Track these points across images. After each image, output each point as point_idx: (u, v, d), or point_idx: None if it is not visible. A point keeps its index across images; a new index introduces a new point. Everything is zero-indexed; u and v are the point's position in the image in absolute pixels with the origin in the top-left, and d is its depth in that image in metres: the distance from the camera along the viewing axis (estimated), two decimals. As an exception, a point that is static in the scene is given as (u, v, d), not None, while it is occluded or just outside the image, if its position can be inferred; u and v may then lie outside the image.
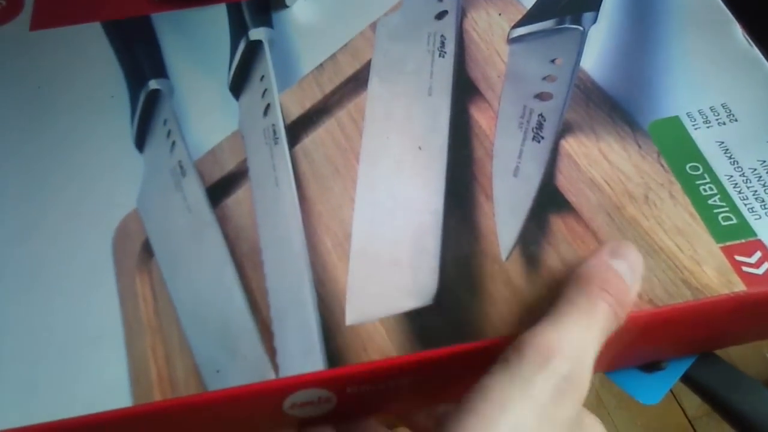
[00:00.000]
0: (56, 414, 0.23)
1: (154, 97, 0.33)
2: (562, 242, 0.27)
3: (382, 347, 0.24)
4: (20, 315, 0.26)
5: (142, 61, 0.35)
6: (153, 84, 0.34)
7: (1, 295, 0.26)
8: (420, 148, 0.30)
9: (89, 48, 0.36)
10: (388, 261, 0.26)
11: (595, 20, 0.34)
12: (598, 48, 0.33)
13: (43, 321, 0.26)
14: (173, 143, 0.31)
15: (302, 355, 0.24)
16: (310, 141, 0.31)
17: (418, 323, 0.25)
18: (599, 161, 0.29)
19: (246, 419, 0.24)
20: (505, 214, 0.27)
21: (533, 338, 0.21)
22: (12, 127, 0.32)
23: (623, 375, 0.27)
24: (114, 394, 0.23)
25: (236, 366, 0.24)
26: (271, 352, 0.24)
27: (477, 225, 0.27)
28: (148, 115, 0.33)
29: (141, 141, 0.32)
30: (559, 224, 0.27)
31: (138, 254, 0.28)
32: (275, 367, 0.24)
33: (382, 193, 0.29)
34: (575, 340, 0.21)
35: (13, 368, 0.24)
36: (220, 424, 0.24)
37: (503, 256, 0.26)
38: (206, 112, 0.33)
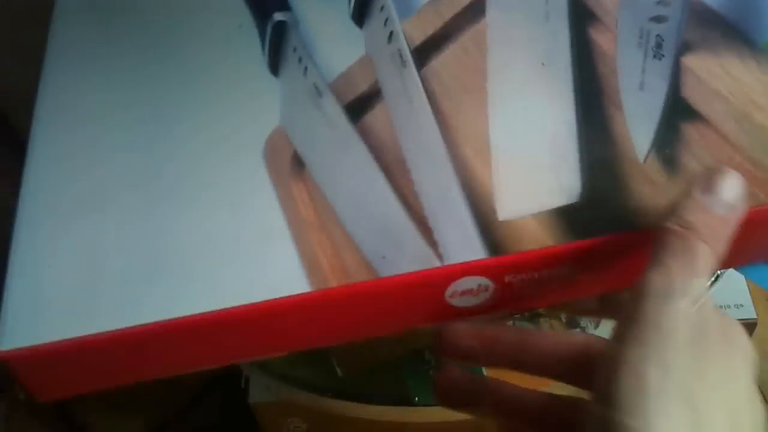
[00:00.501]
0: (242, 300, 0.25)
1: (281, 28, 0.35)
2: (695, 145, 0.28)
3: (538, 239, 0.26)
4: (190, 224, 0.27)
5: (264, -6, 0.36)
6: (278, 16, 0.35)
7: (168, 209, 0.28)
8: (543, 64, 0.31)
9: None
10: (530, 164, 0.28)
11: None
12: (708, -28, 0.34)
13: (212, 227, 0.27)
14: (306, 68, 0.33)
15: (462, 246, 0.26)
16: (437, 64, 0.33)
17: (569, 218, 0.26)
18: (721, 75, 0.30)
19: (412, 308, 0.26)
20: (637, 122, 0.29)
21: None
22: (150, 58, 0.34)
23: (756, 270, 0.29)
24: (292, 283, 0.25)
25: (402, 255, 0.26)
26: (433, 244, 0.26)
27: (611, 132, 0.29)
28: (277, 44, 0.34)
29: (274, 66, 0.33)
30: (690, 130, 0.29)
31: (289, 165, 0.29)
32: (439, 257, 0.25)
33: (514, 106, 0.30)
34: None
35: (193, 265, 0.26)
36: (388, 313, 0.26)
37: (640, 158, 0.28)
38: (332, 40, 0.34)
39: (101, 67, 0.33)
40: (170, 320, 0.25)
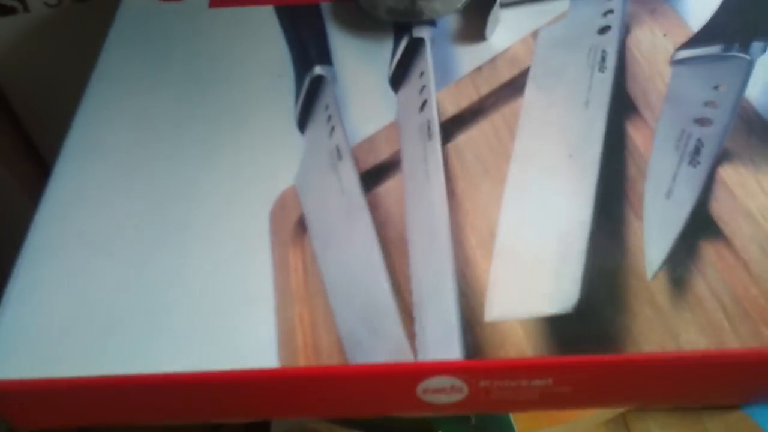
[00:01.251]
0: (211, 364, 0.25)
1: (318, 83, 0.35)
2: (711, 269, 0.26)
3: (520, 347, 0.25)
4: (184, 272, 0.28)
5: (309, 46, 0.37)
6: (318, 70, 0.35)
7: (167, 251, 0.29)
8: (571, 156, 0.30)
9: (261, 29, 0.38)
10: (531, 264, 0.27)
11: (764, 50, 0.33)
12: (765, 78, 0.32)
13: (204, 279, 0.28)
14: (333, 128, 0.33)
15: (440, 342, 0.25)
16: (463, 140, 0.32)
17: (557, 329, 0.25)
18: (756, 193, 0.28)
19: (380, 397, 0.26)
20: (654, 234, 0.27)
21: None
22: (187, 97, 0.35)
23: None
24: (262, 354, 0.25)
25: (377, 344, 0.25)
26: (411, 335, 0.25)
27: (624, 241, 0.27)
28: (311, 99, 0.34)
29: (303, 122, 0.33)
30: (709, 251, 0.27)
31: (293, 228, 0.29)
32: (414, 351, 0.25)
33: (530, 197, 0.29)
34: None
35: (175, 319, 0.26)
36: (356, 399, 0.26)
37: (649, 275, 0.26)
38: (366, 102, 0.34)
39: (137, 105, 0.34)
40: (139, 375, 0.25)
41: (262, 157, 0.32)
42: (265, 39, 0.38)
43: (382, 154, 0.32)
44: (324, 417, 0.26)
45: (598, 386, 0.25)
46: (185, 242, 0.29)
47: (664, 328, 0.25)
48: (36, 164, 0.52)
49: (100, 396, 0.26)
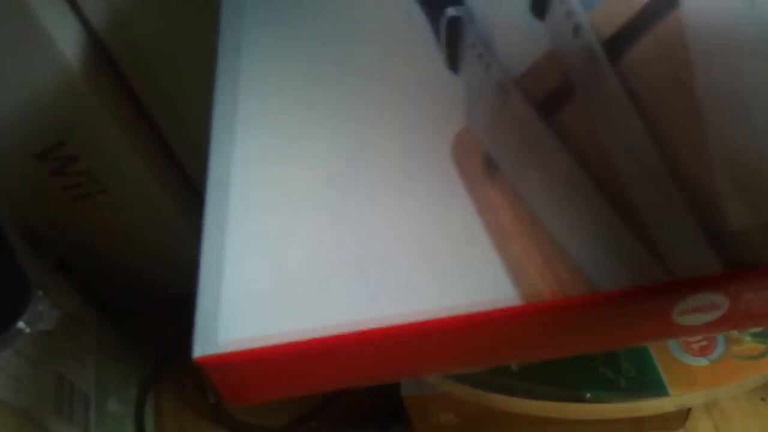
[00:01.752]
0: (443, 309, 0.23)
1: (455, 24, 0.33)
2: None
3: (775, 251, 0.23)
4: (383, 228, 0.26)
5: (435, -11, 0.35)
6: (452, 11, 0.33)
7: (360, 212, 0.27)
8: (754, 53, 0.28)
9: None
10: (761, 166, 0.25)
11: None
12: None
13: (405, 231, 0.26)
14: (488, 65, 0.31)
15: (692, 258, 0.23)
16: (633, 57, 0.30)
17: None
18: None
19: (633, 325, 0.24)
20: None
21: None
22: (324, 57, 0.33)
23: None
24: (498, 293, 0.23)
25: (621, 268, 0.23)
26: (657, 255, 0.23)
27: None
28: (453, 41, 0.32)
29: (453, 64, 0.31)
30: None
31: (482, 167, 0.27)
32: (666, 270, 0.23)
33: (730, 101, 0.27)
34: None
35: (388, 269, 0.24)
36: (606, 330, 0.24)
37: None
38: (510, 35, 0.32)
39: (277, 70, 0.32)
40: (367, 329, 0.23)
41: (425, 103, 0.30)
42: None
43: (550, 83, 0.30)
44: (562, 354, 0.24)
45: None
46: (373, 197, 0.27)
47: None
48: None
49: (325, 358, 0.24)
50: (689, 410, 0.46)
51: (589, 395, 0.38)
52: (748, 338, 0.39)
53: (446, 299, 0.24)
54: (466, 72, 0.31)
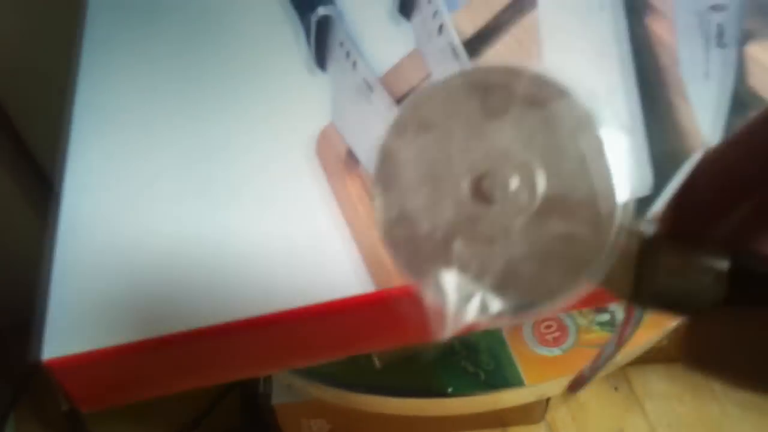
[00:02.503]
0: (297, 301, 0.24)
1: (325, 23, 0.34)
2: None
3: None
4: (243, 225, 0.26)
5: (307, -11, 0.35)
6: (322, 10, 0.34)
7: (219, 211, 0.27)
8: (601, 55, 0.30)
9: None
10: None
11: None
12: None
13: (265, 227, 0.26)
14: (354, 63, 0.32)
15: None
16: (490, 55, 0.32)
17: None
18: (788, 63, 0.29)
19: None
20: (706, 112, 0.28)
21: None
22: (189, 53, 0.33)
23: None
24: (354, 283, 0.24)
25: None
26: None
27: (678, 124, 0.28)
28: (323, 39, 0.33)
29: (321, 62, 0.32)
30: (761, 120, 0.27)
31: (344, 161, 0.28)
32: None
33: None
34: None
35: (252, 269, 0.25)
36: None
37: (712, 150, 0.27)
38: (377, 34, 0.33)
39: (138, 67, 0.33)
40: (225, 323, 0.24)
41: (288, 102, 0.31)
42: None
43: (412, 80, 0.31)
44: (423, 341, 0.25)
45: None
46: (234, 194, 0.27)
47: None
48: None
49: (171, 357, 0.24)
50: (548, 402, 0.49)
51: (450, 389, 0.40)
52: (596, 327, 0.42)
53: (306, 292, 0.24)
54: (334, 70, 0.32)
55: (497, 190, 0.15)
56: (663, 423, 0.51)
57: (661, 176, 0.26)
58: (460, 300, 0.15)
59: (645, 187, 0.26)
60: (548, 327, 0.43)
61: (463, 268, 0.15)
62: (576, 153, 0.15)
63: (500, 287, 0.15)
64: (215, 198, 0.27)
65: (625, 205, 0.15)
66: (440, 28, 0.33)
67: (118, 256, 0.26)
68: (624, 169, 0.26)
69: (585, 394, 0.52)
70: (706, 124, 0.28)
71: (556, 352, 0.41)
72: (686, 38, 0.31)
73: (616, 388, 0.52)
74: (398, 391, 0.40)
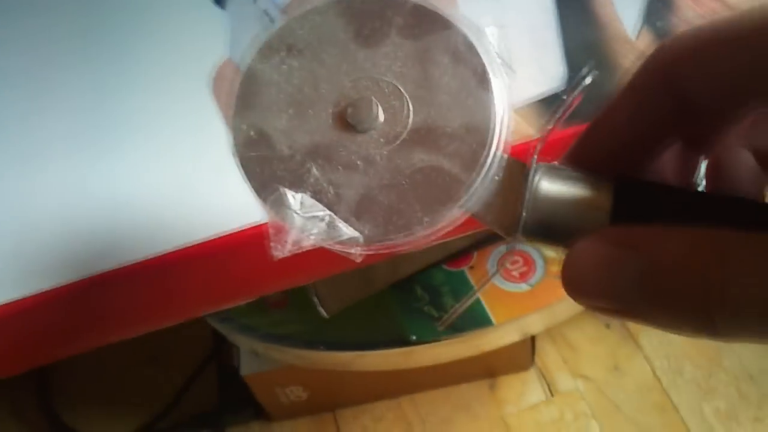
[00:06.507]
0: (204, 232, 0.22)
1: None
2: (690, 11, 0.25)
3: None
4: (140, 164, 0.25)
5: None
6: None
7: (117, 150, 0.26)
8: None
9: None
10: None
11: None
12: None
13: (165, 164, 0.25)
14: (254, -5, 0.30)
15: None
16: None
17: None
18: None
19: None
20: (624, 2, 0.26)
21: None
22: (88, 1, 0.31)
23: None
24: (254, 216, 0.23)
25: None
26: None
27: (597, 14, 0.25)
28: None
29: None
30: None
31: (241, 95, 0.26)
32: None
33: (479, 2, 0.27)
34: None
35: (155, 207, 0.24)
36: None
37: (632, 35, 0.24)
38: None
39: (21, 25, 0.31)
40: (132, 263, 0.22)
41: (184, 39, 0.29)
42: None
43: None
44: (325, 276, 0.24)
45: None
46: (129, 132, 0.26)
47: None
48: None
49: (82, 307, 0.23)
50: (534, 346, 0.47)
51: (414, 337, 0.38)
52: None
53: (203, 227, 0.23)
54: (233, 5, 0.30)
55: (363, 119, 0.15)
56: (660, 355, 0.49)
57: (575, 67, 0.24)
58: (306, 222, 0.15)
59: (557, 81, 0.24)
60: (514, 263, 0.41)
61: (318, 194, 0.15)
62: (450, 86, 0.15)
63: (355, 215, 0.15)
64: (108, 143, 0.26)
65: (502, 134, 0.15)
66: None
67: (8, 212, 0.24)
68: (534, 69, 0.24)
69: (575, 335, 0.50)
70: (624, 9, 0.25)
71: (524, 287, 0.39)
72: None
73: (607, 326, 0.50)
74: (360, 345, 0.38)
